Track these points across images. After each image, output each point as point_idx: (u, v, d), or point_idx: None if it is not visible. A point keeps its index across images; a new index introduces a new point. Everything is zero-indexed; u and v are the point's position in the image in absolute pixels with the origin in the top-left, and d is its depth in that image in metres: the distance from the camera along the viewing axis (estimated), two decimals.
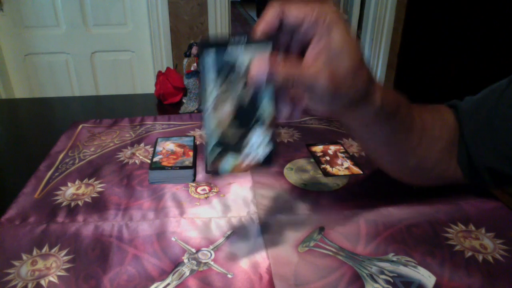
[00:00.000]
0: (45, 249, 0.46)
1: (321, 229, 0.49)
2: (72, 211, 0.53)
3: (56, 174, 0.62)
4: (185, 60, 0.82)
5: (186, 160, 0.62)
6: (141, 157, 0.67)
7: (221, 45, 0.35)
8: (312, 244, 0.47)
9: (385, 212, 0.52)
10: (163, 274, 0.42)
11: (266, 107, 0.38)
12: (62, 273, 0.43)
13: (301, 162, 0.65)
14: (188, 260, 0.44)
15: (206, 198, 0.56)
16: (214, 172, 0.39)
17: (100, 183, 0.60)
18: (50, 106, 1.00)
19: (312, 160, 0.66)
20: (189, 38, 2.11)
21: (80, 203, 0.55)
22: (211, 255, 0.45)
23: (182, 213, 0.53)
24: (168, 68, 0.95)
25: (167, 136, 0.72)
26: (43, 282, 0.41)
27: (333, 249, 0.46)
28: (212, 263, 0.44)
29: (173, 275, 0.42)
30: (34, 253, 0.45)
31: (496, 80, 0.51)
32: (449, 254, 0.45)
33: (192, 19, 2.09)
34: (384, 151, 0.49)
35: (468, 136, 0.50)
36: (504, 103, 0.47)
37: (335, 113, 0.41)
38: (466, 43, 2.04)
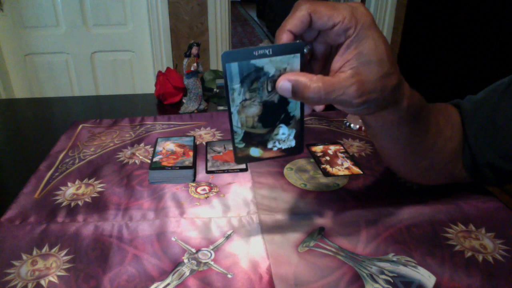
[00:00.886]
0: (45, 249, 0.46)
1: (321, 229, 0.49)
2: (72, 211, 0.53)
3: (56, 174, 0.62)
4: (185, 60, 0.82)
5: (186, 160, 0.62)
6: (141, 157, 0.67)
7: (243, 58, 0.34)
8: (312, 244, 0.47)
9: (385, 212, 0.52)
10: (163, 274, 0.42)
11: (292, 109, 0.37)
12: (62, 273, 0.43)
13: (301, 162, 0.65)
14: (188, 260, 0.44)
15: (206, 198, 0.56)
16: (241, 161, 0.39)
17: (100, 183, 0.60)
18: (50, 106, 1.00)
19: (312, 160, 0.66)
20: (189, 38, 2.11)
21: (80, 203, 0.55)
22: (211, 255, 0.45)
23: (182, 213, 0.53)
24: (168, 68, 0.95)
25: (167, 136, 0.72)
26: (43, 282, 0.41)
27: (333, 249, 0.46)
28: (212, 263, 0.44)
29: (173, 275, 0.42)
30: (34, 253, 0.45)
31: (497, 79, 0.51)
32: (449, 254, 0.45)
33: (192, 19, 2.09)
34: (400, 151, 0.48)
35: (471, 135, 0.50)
36: (506, 103, 0.47)
37: (360, 114, 0.41)
38: (466, 43, 2.04)
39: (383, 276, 0.42)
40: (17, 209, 0.53)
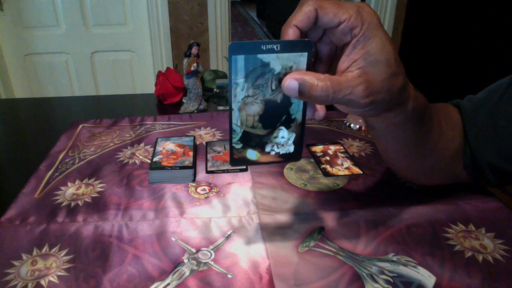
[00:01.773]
0: (45, 249, 0.46)
1: (321, 229, 0.49)
2: (72, 211, 0.53)
3: (56, 174, 0.62)
4: (185, 60, 0.82)
5: (186, 160, 0.62)
6: (141, 157, 0.67)
7: (251, 51, 0.33)
8: (312, 244, 0.47)
9: (385, 212, 0.52)
10: (163, 274, 0.42)
11: (294, 111, 0.37)
12: (62, 273, 0.43)
13: (301, 162, 0.65)
14: (188, 260, 0.44)
15: (206, 198, 0.56)
16: (237, 163, 0.38)
17: (100, 183, 0.60)
18: (50, 106, 1.00)
19: (312, 160, 0.66)
20: (189, 38, 2.11)
21: (80, 203, 0.55)
22: (211, 255, 0.45)
23: (182, 213, 0.53)
24: (168, 68, 0.95)
25: (167, 136, 0.72)
26: (43, 282, 0.41)
27: (333, 249, 0.46)
28: (212, 263, 0.44)
29: (173, 275, 0.42)
30: (34, 253, 0.45)
31: (497, 79, 0.51)
32: (449, 254, 0.45)
33: (192, 19, 2.09)
34: (403, 153, 0.48)
35: (471, 136, 0.50)
36: (507, 103, 0.47)
37: (366, 116, 0.40)
38: (466, 43, 2.04)
39: (383, 276, 0.42)
40: (17, 209, 0.53)
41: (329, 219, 0.51)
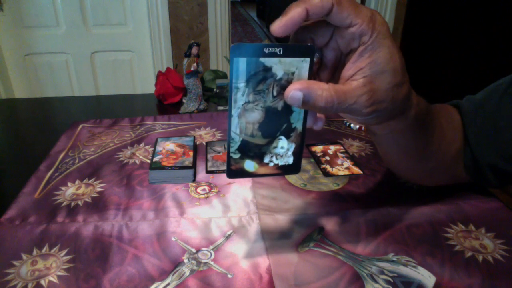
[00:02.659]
0: (45, 249, 0.46)
1: (321, 229, 0.49)
2: (72, 211, 0.53)
3: (56, 174, 0.62)
4: (185, 60, 0.82)
5: (186, 160, 0.62)
6: (141, 157, 0.67)
7: (253, 53, 0.32)
8: (312, 244, 0.47)
9: (385, 212, 0.52)
10: (163, 274, 0.42)
11: (295, 119, 0.36)
12: (62, 273, 0.43)
13: (301, 162, 0.65)
14: (188, 260, 0.44)
15: (206, 198, 0.56)
16: (234, 175, 0.37)
17: (100, 183, 0.60)
18: (50, 106, 1.00)
19: (312, 160, 0.66)
20: (189, 38, 2.11)
21: (80, 203, 0.55)
22: (211, 255, 0.45)
23: (182, 213, 0.53)
24: (168, 68, 0.95)
25: (167, 136, 0.72)
26: (43, 282, 0.41)
27: (333, 249, 0.46)
28: (212, 263, 0.44)
29: (173, 275, 0.42)
30: (34, 253, 0.45)
31: (497, 79, 0.51)
32: (449, 254, 0.45)
33: (192, 19, 2.09)
34: (404, 157, 0.48)
35: (471, 137, 0.50)
36: (507, 103, 0.47)
37: (368, 124, 0.39)
38: (466, 43, 2.04)
39: (383, 276, 0.42)
40: (17, 209, 0.53)
41: (329, 219, 0.51)
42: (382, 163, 0.64)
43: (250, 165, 0.37)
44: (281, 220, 0.51)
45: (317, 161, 0.65)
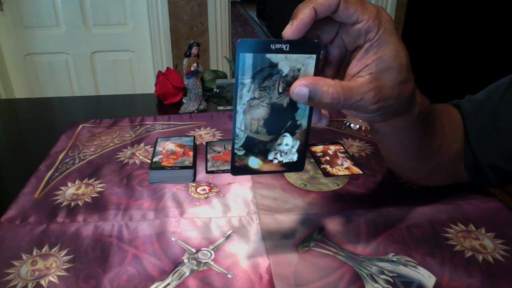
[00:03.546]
0: (45, 249, 0.46)
1: (321, 229, 0.49)
2: (72, 211, 0.53)
3: (56, 174, 0.62)
4: (185, 60, 0.82)
5: (186, 160, 0.62)
6: (141, 157, 0.67)
7: (259, 49, 0.32)
8: (312, 244, 0.47)
9: (385, 212, 0.52)
10: (163, 274, 0.42)
11: (300, 116, 0.36)
12: (62, 273, 0.43)
13: None
14: (188, 260, 0.44)
15: (206, 198, 0.56)
16: (238, 172, 0.37)
17: (100, 183, 0.60)
18: (50, 106, 1.00)
19: (312, 160, 0.66)
20: (189, 38, 2.11)
21: (80, 203, 0.55)
22: (211, 255, 0.45)
23: (182, 213, 0.53)
24: (168, 68, 0.95)
25: (167, 136, 0.72)
26: (43, 282, 0.41)
27: (333, 249, 0.46)
28: (212, 263, 0.44)
29: (173, 275, 0.42)
30: (34, 253, 0.45)
31: (497, 79, 0.51)
32: (449, 254, 0.45)
33: (192, 19, 2.09)
34: (406, 156, 0.48)
35: (472, 137, 0.50)
36: (507, 103, 0.47)
37: (373, 121, 0.39)
38: (466, 43, 2.04)
39: (383, 276, 0.42)
40: (17, 209, 0.53)
41: (329, 219, 0.51)
42: (382, 163, 0.64)
43: (254, 162, 0.37)
44: (281, 220, 0.51)
45: (317, 161, 0.65)
